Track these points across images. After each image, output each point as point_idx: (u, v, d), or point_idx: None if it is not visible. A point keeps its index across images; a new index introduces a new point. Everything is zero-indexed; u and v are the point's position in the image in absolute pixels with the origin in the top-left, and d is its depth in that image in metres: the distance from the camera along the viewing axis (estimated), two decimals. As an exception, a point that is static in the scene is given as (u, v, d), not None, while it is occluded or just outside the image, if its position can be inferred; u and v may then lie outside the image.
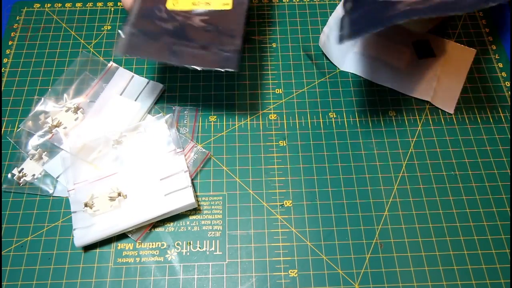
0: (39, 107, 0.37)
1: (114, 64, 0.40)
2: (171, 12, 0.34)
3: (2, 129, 0.37)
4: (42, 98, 0.37)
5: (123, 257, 0.32)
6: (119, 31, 0.33)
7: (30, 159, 0.35)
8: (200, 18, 0.34)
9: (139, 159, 0.34)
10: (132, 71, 0.40)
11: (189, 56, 0.33)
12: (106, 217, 0.32)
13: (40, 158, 0.35)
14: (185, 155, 0.35)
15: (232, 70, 0.32)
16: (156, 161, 0.34)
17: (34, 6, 0.44)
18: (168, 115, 0.36)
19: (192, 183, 0.34)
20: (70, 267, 0.32)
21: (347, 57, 0.41)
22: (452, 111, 0.38)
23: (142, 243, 0.33)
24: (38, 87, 0.39)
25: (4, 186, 0.34)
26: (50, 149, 0.36)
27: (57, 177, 0.34)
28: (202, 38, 0.33)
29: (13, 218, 0.34)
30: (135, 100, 0.38)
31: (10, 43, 0.42)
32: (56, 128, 0.36)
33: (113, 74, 0.39)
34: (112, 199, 0.32)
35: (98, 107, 0.37)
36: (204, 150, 0.36)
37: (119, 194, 0.32)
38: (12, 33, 0.43)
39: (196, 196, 0.34)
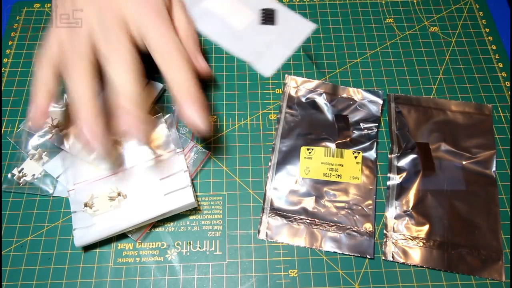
0: None
1: None
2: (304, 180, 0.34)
3: (2, 129, 0.37)
4: None
5: (123, 257, 0.32)
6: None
7: (30, 159, 0.35)
8: (332, 191, 0.34)
9: (139, 159, 0.34)
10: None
11: (326, 239, 0.32)
12: (106, 217, 0.32)
13: (40, 158, 0.35)
14: (185, 155, 0.35)
15: (369, 257, 0.32)
16: (156, 161, 0.34)
17: (34, 6, 0.44)
18: (168, 115, 0.36)
19: (192, 183, 0.34)
20: (70, 267, 0.32)
21: (194, 10, 0.42)
22: (268, 76, 0.40)
23: (142, 243, 0.33)
24: (38, 87, 0.39)
25: (4, 186, 0.34)
26: (50, 149, 0.36)
27: (57, 177, 0.34)
28: (335, 217, 0.33)
29: (13, 218, 0.34)
30: None
31: (10, 43, 0.42)
32: (56, 128, 0.36)
33: None
34: (112, 199, 0.32)
35: None
36: (204, 150, 0.36)
37: (119, 194, 0.32)
38: (12, 33, 0.43)
39: (196, 196, 0.34)
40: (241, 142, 0.37)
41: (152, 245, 0.33)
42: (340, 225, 0.33)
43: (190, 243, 0.33)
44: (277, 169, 0.35)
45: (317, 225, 0.33)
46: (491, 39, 0.42)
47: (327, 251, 0.32)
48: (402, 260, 0.32)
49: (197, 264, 0.32)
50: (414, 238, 0.32)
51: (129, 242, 0.33)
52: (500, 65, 0.41)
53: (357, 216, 0.33)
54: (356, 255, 0.32)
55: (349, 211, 0.33)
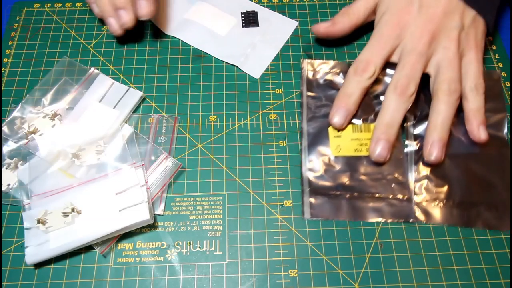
0: (15, 113, 0.36)
1: (96, 70, 0.39)
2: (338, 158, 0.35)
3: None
4: (20, 104, 0.37)
5: (123, 257, 0.32)
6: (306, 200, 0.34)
7: (6, 168, 0.34)
8: (365, 165, 0.35)
9: (96, 172, 0.33)
10: (120, 75, 0.40)
11: (368, 211, 0.34)
12: (59, 233, 0.31)
13: (16, 167, 0.34)
14: (156, 167, 0.34)
15: (404, 220, 0.33)
16: (112, 175, 0.33)
17: (34, 6, 0.44)
18: (130, 127, 0.36)
19: (162, 196, 0.34)
20: (70, 267, 0.32)
21: (175, 22, 0.43)
22: (257, 77, 0.40)
23: (142, 243, 0.33)
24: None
25: None
26: (26, 157, 0.35)
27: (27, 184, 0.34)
28: (373, 188, 0.34)
29: (13, 218, 0.34)
30: (114, 108, 0.37)
31: (10, 43, 0.42)
32: (32, 135, 0.35)
33: (94, 80, 0.38)
34: (65, 215, 0.31)
35: (76, 114, 0.36)
36: (176, 161, 0.35)
37: (73, 210, 0.31)
38: (12, 33, 0.43)
39: (153, 212, 0.33)
40: (241, 142, 0.37)
41: (152, 245, 0.33)
42: (379, 195, 0.34)
43: (190, 243, 0.33)
44: (309, 151, 0.36)
45: (357, 198, 0.34)
46: (491, 39, 0.42)
47: (327, 251, 0.32)
48: (423, 220, 0.33)
49: (197, 264, 0.32)
50: (435, 199, 0.34)
51: (129, 242, 0.33)
52: (500, 65, 0.41)
53: (393, 185, 0.34)
54: (400, 220, 0.33)
55: (384, 181, 0.34)
